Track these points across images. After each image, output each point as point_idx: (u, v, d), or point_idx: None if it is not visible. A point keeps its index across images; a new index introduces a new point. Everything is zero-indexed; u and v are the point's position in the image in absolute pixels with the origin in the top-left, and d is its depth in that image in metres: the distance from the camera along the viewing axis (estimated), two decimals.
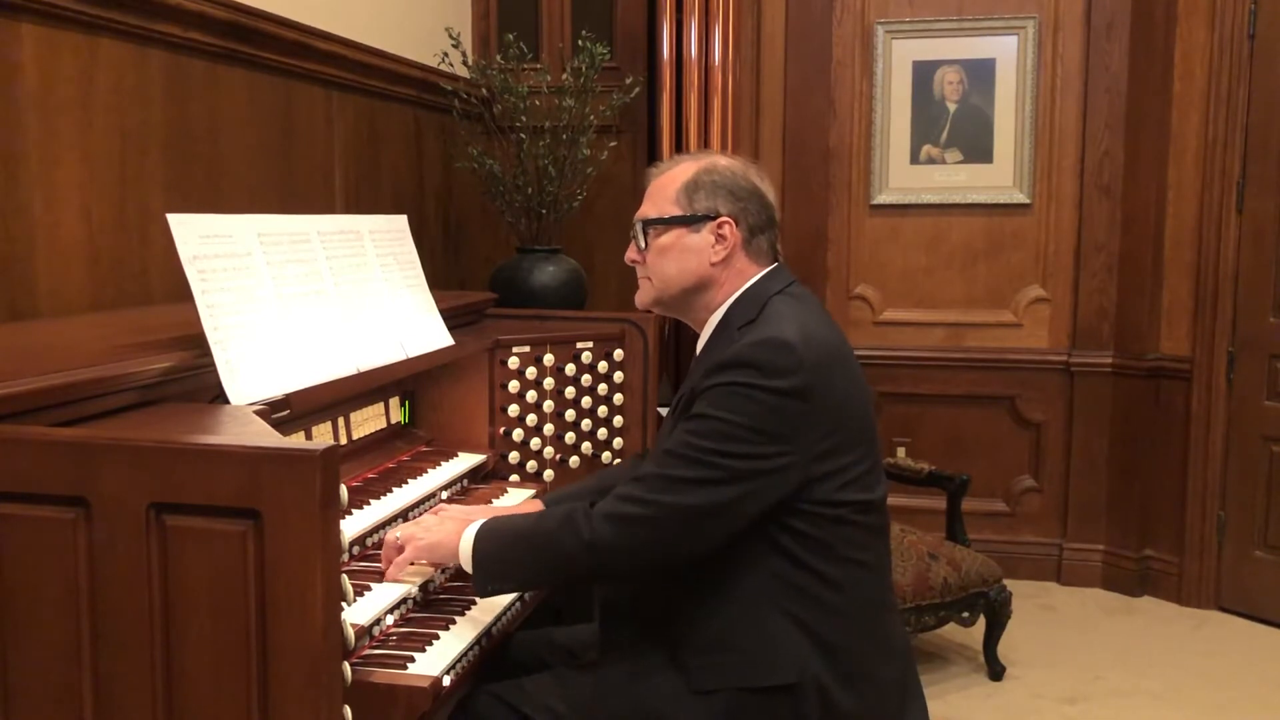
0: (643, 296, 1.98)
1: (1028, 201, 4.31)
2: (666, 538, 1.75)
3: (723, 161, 1.93)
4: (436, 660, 1.72)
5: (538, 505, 2.14)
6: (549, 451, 2.74)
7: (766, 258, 1.92)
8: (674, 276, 1.91)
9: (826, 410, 1.75)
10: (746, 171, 1.92)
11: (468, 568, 1.86)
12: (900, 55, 4.36)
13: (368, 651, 1.72)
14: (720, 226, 1.88)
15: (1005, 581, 3.46)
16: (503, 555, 1.84)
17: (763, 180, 1.93)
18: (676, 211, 1.90)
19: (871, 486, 1.83)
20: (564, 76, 3.55)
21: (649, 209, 1.94)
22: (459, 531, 1.88)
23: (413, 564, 1.92)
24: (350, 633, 1.39)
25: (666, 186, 1.93)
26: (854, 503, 1.78)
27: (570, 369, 2.78)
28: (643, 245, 1.93)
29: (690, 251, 1.89)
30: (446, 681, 1.68)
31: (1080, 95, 4.24)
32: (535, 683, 1.89)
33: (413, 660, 1.70)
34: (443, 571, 1.99)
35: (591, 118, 3.53)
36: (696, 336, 1.98)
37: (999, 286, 4.38)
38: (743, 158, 1.97)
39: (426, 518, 2.01)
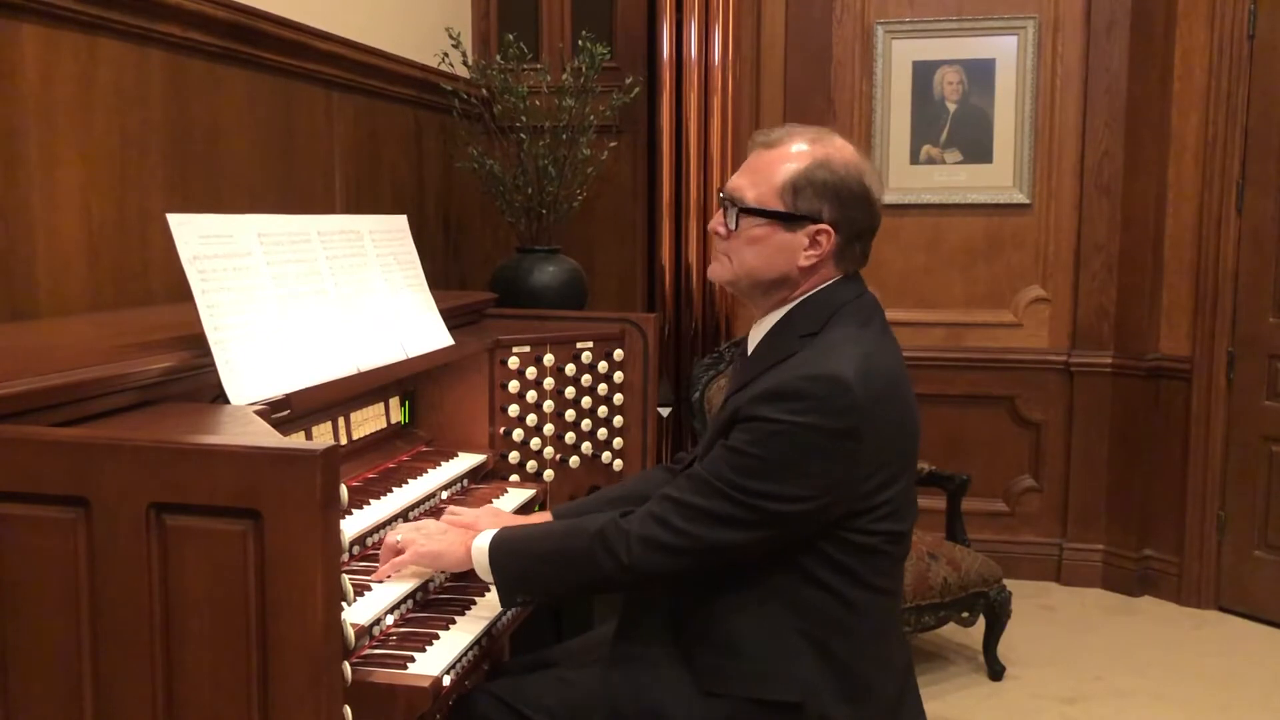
0: (718, 273, 1.87)
1: (1028, 201, 4.31)
2: (701, 564, 1.75)
3: (838, 156, 1.78)
4: (436, 660, 1.72)
5: (546, 518, 2.14)
6: (549, 451, 2.74)
7: (854, 265, 1.83)
8: (757, 269, 1.81)
9: (877, 449, 1.71)
10: (860, 172, 1.79)
11: (486, 578, 1.85)
12: (900, 55, 4.36)
13: (368, 651, 1.72)
14: (818, 233, 1.77)
15: (1005, 581, 3.46)
16: (530, 572, 1.83)
17: (875, 179, 1.82)
18: (778, 206, 1.77)
19: (905, 517, 1.81)
20: (564, 77, 3.55)
21: (747, 190, 1.80)
22: (464, 543, 1.88)
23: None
24: (350, 632, 1.38)
25: (773, 169, 1.79)
26: (887, 533, 1.76)
27: (570, 369, 2.78)
28: (733, 225, 1.81)
29: (781, 250, 1.78)
30: (446, 681, 1.68)
31: (1080, 95, 4.24)
32: (535, 682, 1.89)
33: (413, 660, 1.70)
34: (443, 571, 1.98)
35: (591, 118, 3.53)
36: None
37: (999, 286, 4.38)
38: (858, 150, 1.83)
39: (428, 523, 2.00)
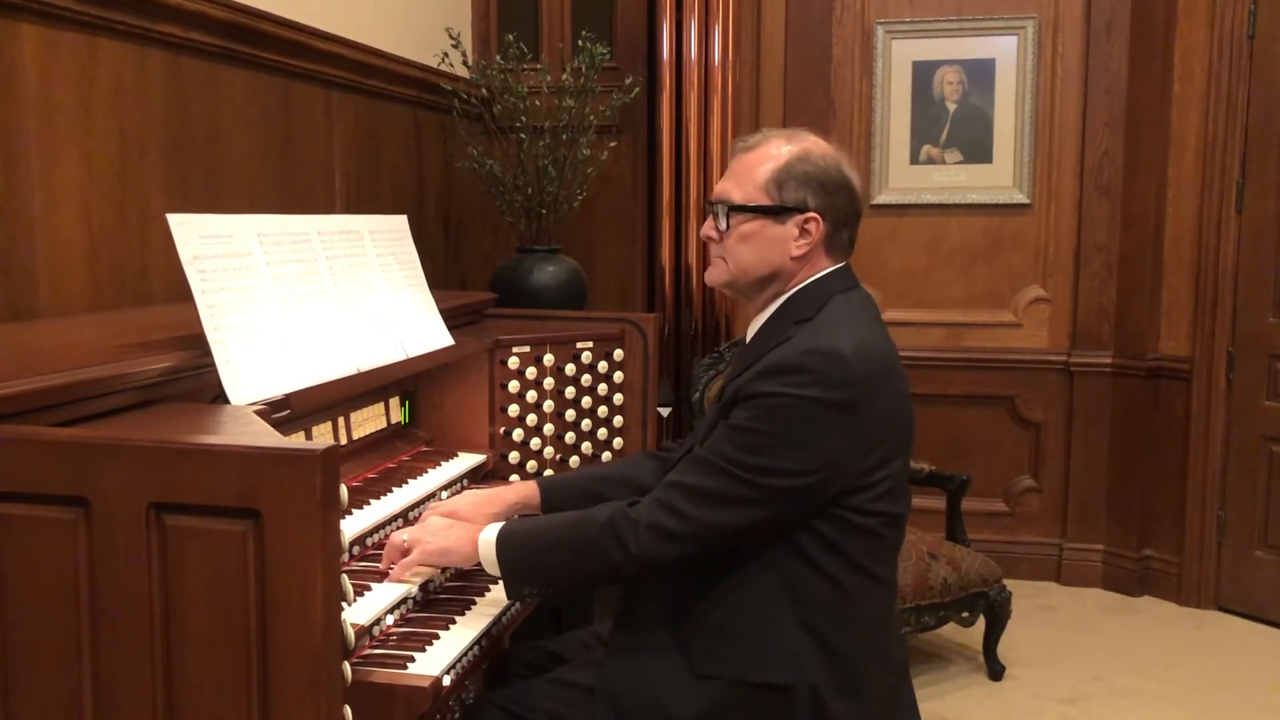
0: (715, 276, 1.93)
1: (1027, 201, 4.32)
2: (708, 549, 1.76)
3: (815, 149, 1.86)
4: (436, 660, 1.72)
5: (532, 487, 2.14)
6: (549, 451, 2.74)
7: (843, 253, 1.90)
8: (752, 266, 1.87)
9: (874, 425, 1.74)
10: (838, 162, 1.87)
11: (494, 572, 1.86)
12: (900, 55, 4.36)
13: (368, 651, 1.72)
14: (807, 222, 1.84)
15: (1005, 581, 3.46)
16: (538, 563, 1.84)
17: (852, 170, 1.88)
18: (764, 200, 1.84)
19: (900, 500, 1.83)
20: (564, 77, 3.55)
21: (734, 191, 1.87)
22: (470, 538, 1.88)
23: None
24: (350, 633, 1.38)
25: (755, 169, 1.86)
26: (884, 515, 1.79)
27: (570, 369, 2.78)
28: (724, 227, 1.87)
29: (773, 243, 1.85)
30: (446, 681, 1.68)
31: (1080, 95, 4.24)
32: (539, 687, 1.90)
33: (413, 660, 1.70)
34: (443, 571, 1.99)
35: (591, 118, 3.53)
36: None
37: (999, 286, 4.38)
38: (832, 144, 1.90)
39: (433, 520, 2.00)
